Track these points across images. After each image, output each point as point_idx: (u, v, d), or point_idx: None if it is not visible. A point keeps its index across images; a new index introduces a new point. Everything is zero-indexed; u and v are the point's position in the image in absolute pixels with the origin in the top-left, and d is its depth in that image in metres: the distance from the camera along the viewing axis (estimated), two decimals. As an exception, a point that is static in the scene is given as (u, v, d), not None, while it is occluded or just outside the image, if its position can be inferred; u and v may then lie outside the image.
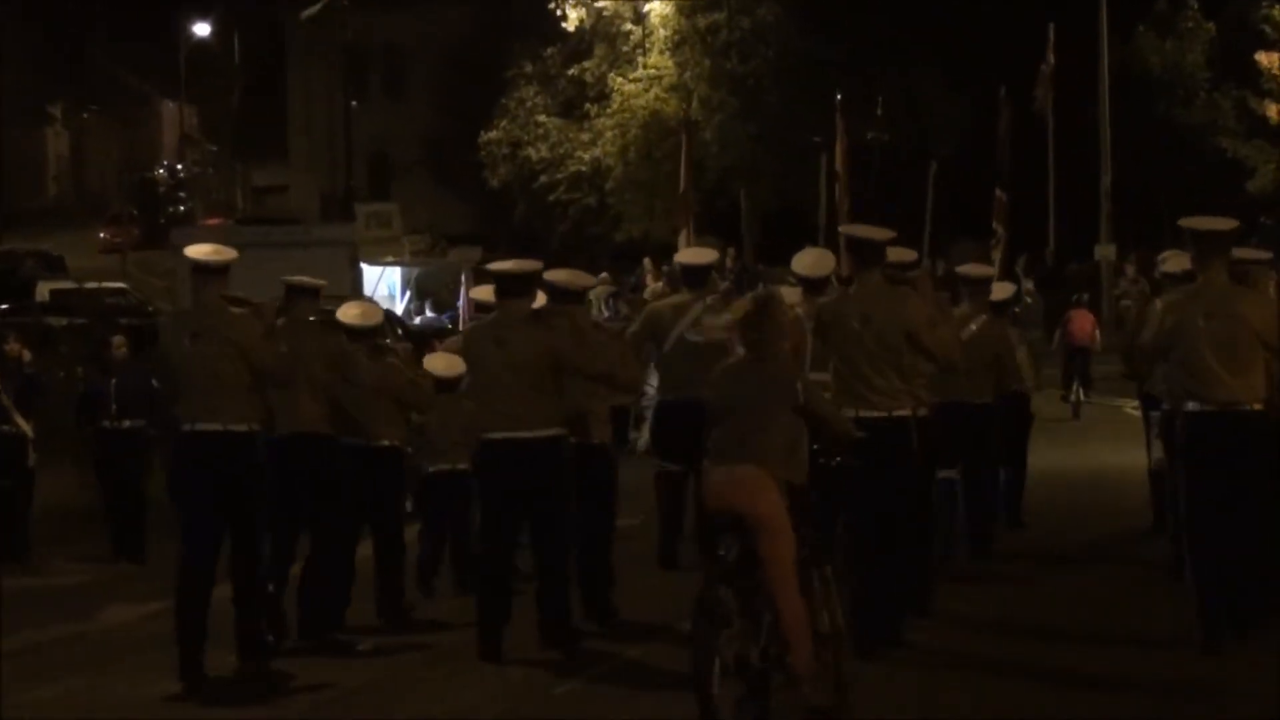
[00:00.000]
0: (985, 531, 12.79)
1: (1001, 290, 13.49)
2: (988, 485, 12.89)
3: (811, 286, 11.07)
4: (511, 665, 9.71)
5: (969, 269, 13.22)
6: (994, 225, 31.84)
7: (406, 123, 61.34)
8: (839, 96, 33.76)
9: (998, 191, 32.01)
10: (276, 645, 10.22)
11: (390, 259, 37.36)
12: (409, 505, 12.49)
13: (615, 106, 46.04)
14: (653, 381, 13.24)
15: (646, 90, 45.51)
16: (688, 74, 44.94)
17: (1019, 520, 14.14)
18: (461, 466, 11.95)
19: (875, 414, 9.47)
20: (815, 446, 8.46)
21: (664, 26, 45.91)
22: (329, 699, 9.40)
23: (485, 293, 11.07)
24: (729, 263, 34.47)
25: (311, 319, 10.88)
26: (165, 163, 79.10)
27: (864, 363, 9.57)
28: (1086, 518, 14.97)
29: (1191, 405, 9.38)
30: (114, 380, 16.16)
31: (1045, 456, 16.18)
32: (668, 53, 45.67)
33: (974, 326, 12.28)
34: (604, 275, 31.26)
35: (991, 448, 12.67)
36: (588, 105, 47.28)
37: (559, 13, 47.10)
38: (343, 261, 32.85)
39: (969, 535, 12.64)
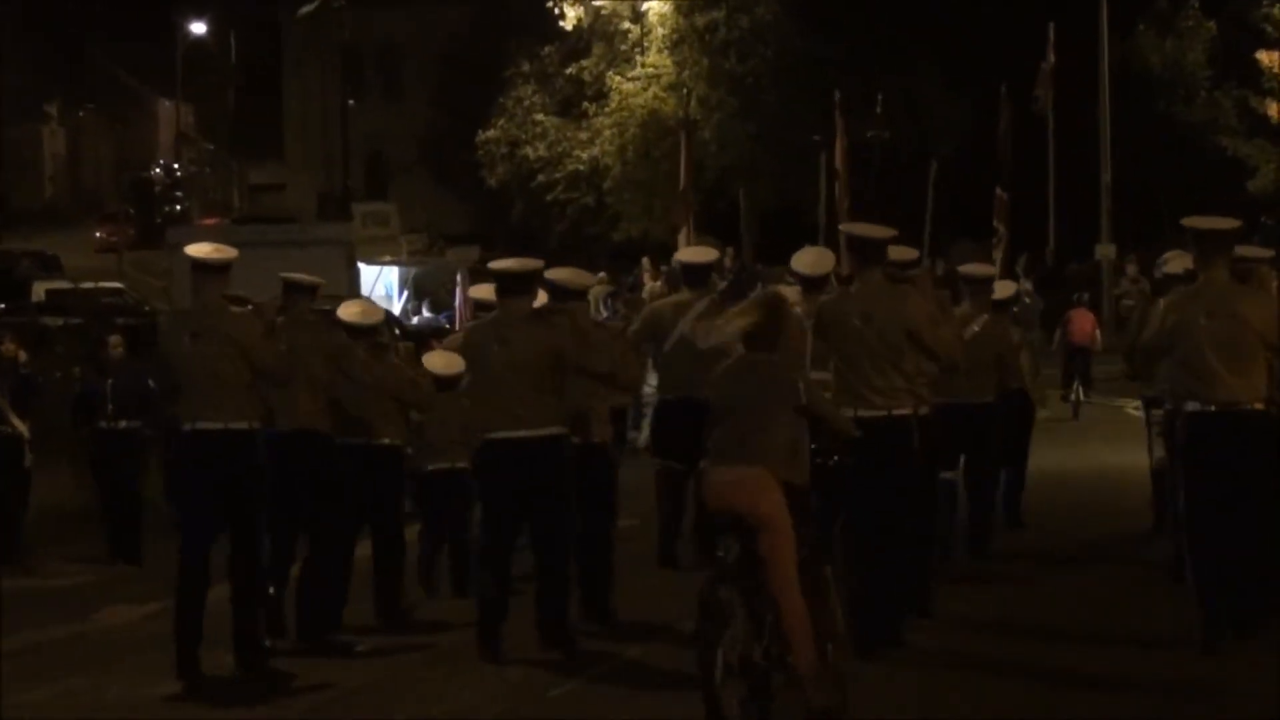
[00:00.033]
0: (985, 532, 12.77)
1: (1003, 289, 13.47)
2: (988, 485, 12.87)
3: (811, 285, 11.05)
4: (511, 665, 9.68)
5: (971, 268, 13.19)
6: (995, 224, 31.84)
7: (404, 121, 61.36)
8: (838, 95, 33.78)
9: (999, 190, 32.01)
10: (273, 647, 10.18)
11: (387, 258, 37.35)
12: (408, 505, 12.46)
13: (613, 105, 46.02)
14: (652, 380, 13.23)
15: (645, 89, 45.49)
16: (686, 73, 44.90)
17: (1019, 520, 14.13)
18: (460, 465, 11.93)
19: (875, 413, 9.44)
20: (813, 446, 8.43)
21: (662, 25, 45.89)
22: (329, 699, 9.38)
23: (485, 291, 11.05)
24: (728, 262, 34.44)
25: (311, 316, 10.85)
26: (161, 162, 79.12)
27: (865, 361, 9.55)
28: (1086, 518, 14.95)
29: (1192, 405, 9.35)
30: (110, 380, 16.16)
31: (1045, 456, 16.16)
32: (666, 51, 45.65)
33: (976, 326, 12.25)
34: (601, 275, 31.24)
35: (992, 448, 12.65)
36: (586, 104, 47.26)
37: (557, 11, 47.06)
38: (339, 261, 32.80)
39: (969, 536, 12.62)
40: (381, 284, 36.08)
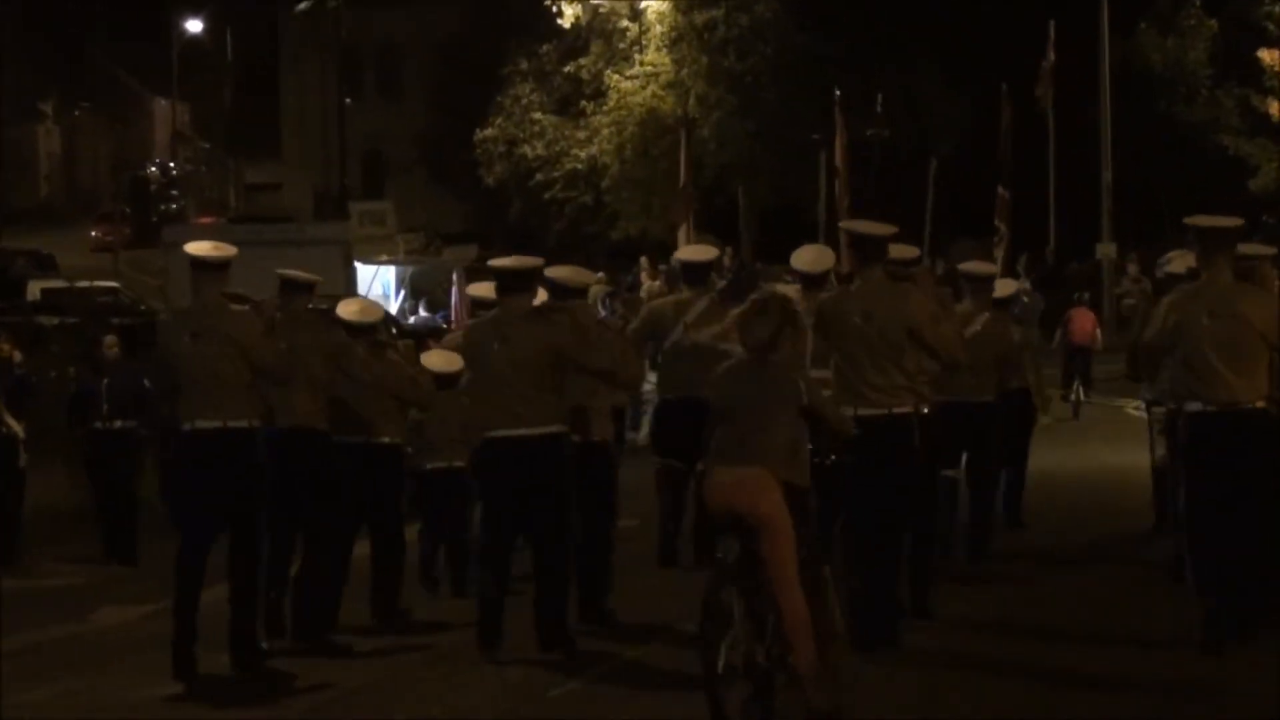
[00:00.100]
0: (985, 532, 12.74)
1: (1005, 288, 13.44)
2: (988, 485, 12.84)
3: (811, 282, 11.02)
4: (511, 666, 9.65)
5: (972, 266, 13.15)
6: (996, 223, 31.84)
7: (401, 120, 61.38)
8: (838, 93, 33.78)
9: (1000, 189, 31.99)
10: (271, 647, 10.14)
11: (385, 258, 37.35)
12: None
13: (612, 104, 45.97)
14: (651, 379, 13.19)
15: (643, 87, 45.44)
16: (685, 71, 44.86)
17: (1019, 520, 14.10)
18: (459, 464, 11.89)
19: (875, 411, 9.41)
20: (811, 445, 8.40)
21: (661, 23, 45.83)
22: (329, 699, 9.35)
23: (484, 289, 11.01)
24: (727, 261, 34.43)
25: (309, 314, 10.81)
26: (157, 160, 79.02)
27: (865, 359, 9.52)
28: (1086, 518, 14.93)
29: (1193, 404, 9.33)
30: (106, 380, 16.13)
31: (1045, 456, 16.13)
32: (665, 50, 45.59)
33: (977, 324, 12.21)
34: (600, 275, 31.21)
35: (993, 447, 12.61)
36: (584, 103, 47.21)
37: (555, 9, 46.99)
38: (337, 260, 32.83)
39: (969, 536, 12.59)
40: (379, 283, 36.08)
